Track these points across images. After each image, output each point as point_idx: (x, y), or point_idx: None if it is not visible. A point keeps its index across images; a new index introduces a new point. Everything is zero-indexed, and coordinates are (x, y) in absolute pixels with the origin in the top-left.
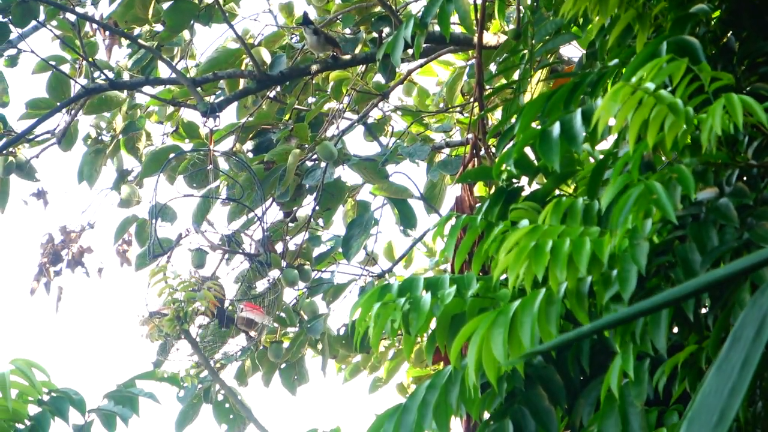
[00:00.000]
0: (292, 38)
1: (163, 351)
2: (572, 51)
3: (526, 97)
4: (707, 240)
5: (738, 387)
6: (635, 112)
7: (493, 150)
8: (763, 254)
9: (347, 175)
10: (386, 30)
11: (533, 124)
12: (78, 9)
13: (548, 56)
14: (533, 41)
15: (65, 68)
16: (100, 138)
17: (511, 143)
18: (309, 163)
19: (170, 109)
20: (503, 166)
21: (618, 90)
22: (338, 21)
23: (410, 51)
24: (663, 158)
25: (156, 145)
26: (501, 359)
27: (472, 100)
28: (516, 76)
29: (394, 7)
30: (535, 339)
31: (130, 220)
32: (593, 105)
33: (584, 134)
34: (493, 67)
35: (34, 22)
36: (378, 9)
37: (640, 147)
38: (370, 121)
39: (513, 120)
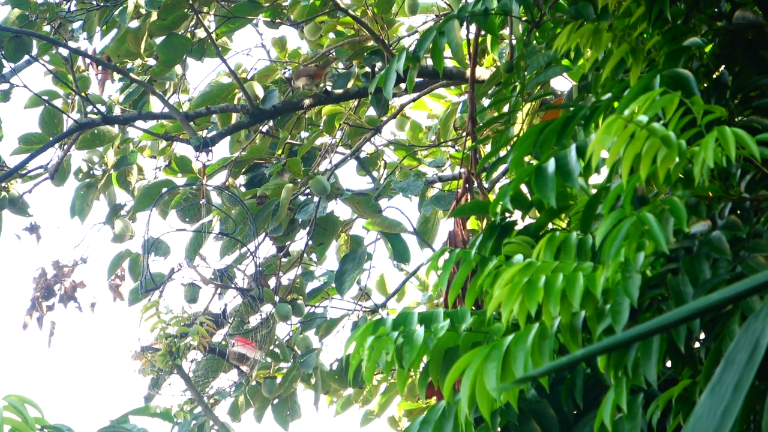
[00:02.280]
0: (284, 72)
1: (155, 385)
2: (563, 84)
3: (516, 129)
4: (700, 273)
5: (731, 408)
6: (628, 145)
7: (486, 185)
8: (754, 280)
9: (340, 209)
10: (379, 64)
11: (526, 158)
12: (71, 43)
13: (539, 88)
14: (525, 74)
15: (58, 103)
16: (91, 172)
17: (505, 178)
18: (302, 198)
19: (163, 143)
20: (500, 204)
21: (611, 123)
22: (331, 55)
23: (403, 85)
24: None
25: (148, 180)
26: (494, 393)
27: (464, 134)
28: (506, 108)
29: (386, 41)
30: (529, 373)
31: (123, 255)
32: (587, 140)
33: (579, 170)
34: (486, 102)
35: (26, 57)
36: (371, 43)
37: (632, 180)
38: (362, 155)
39: (503, 152)
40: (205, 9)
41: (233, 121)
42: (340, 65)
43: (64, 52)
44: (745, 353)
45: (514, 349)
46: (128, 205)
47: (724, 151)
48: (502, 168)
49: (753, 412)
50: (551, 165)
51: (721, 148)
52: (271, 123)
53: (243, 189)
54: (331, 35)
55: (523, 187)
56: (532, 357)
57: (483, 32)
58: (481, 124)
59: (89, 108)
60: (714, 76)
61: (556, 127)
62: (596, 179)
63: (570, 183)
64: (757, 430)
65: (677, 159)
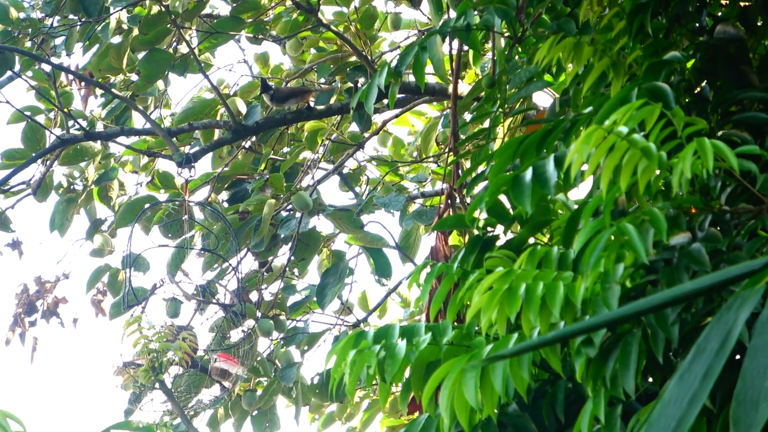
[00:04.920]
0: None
1: (135, 400)
2: (545, 100)
3: (497, 144)
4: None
5: (698, 396)
6: (608, 156)
7: (469, 200)
8: (730, 272)
9: (322, 224)
10: (362, 80)
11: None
12: (53, 59)
13: (521, 102)
14: (507, 88)
15: (40, 119)
16: (72, 187)
17: (483, 187)
18: (284, 213)
19: (145, 159)
20: (476, 212)
21: (591, 133)
22: (314, 71)
23: (385, 101)
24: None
25: (129, 195)
26: (473, 403)
27: (447, 150)
28: (488, 123)
29: (369, 57)
30: (508, 384)
31: (103, 270)
32: (566, 150)
33: (556, 178)
34: (468, 117)
35: (9, 73)
36: (353, 59)
37: (612, 190)
38: (345, 171)
39: (483, 167)
40: (187, 24)
41: (216, 137)
42: (323, 81)
43: (47, 67)
44: (716, 343)
45: None
46: (109, 220)
47: (702, 163)
48: (483, 183)
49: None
50: (528, 173)
51: (699, 159)
52: (253, 139)
53: (225, 204)
54: (314, 51)
55: (506, 202)
56: (511, 367)
57: (465, 47)
58: (463, 138)
59: (71, 123)
60: (695, 90)
61: (535, 139)
62: (579, 196)
63: (546, 190)
64: None
65: (657, 171)
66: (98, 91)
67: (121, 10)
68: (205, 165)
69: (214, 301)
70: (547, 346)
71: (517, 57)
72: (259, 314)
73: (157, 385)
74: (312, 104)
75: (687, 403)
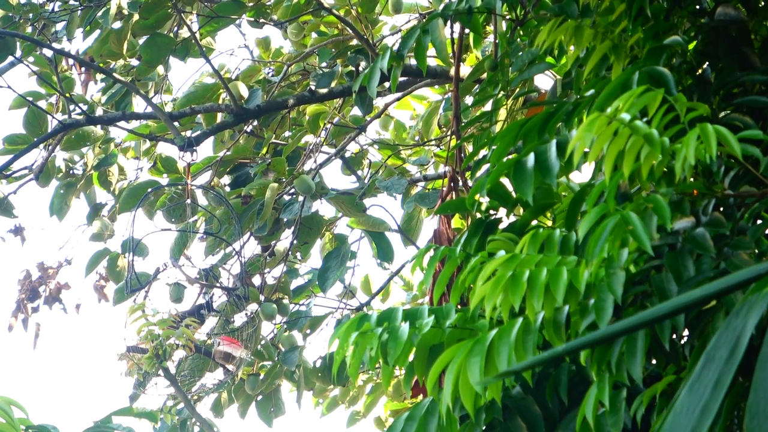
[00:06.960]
0: (268, 72)
1: (140, 385)
2: (546, 82)
3: (499, 127)
4: (683, 270)
5: (710, 406)
6: (611, 143)
7: (471, 183)
8: (737, 277)
9: (325, 208)
10: (363, 63)
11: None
12: (54, 44)
13: (523, 84)
14: (509, 71)
15: (42, 104)
16: (71, 172)
17: (485, 170)
18: (287, 197)
19: (145, 144)
20: (477, 196)
21: (593, 120)
22: (315, 55)
23: (387, 84)
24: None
25: (129, 180)
26: (477, 387)
27: (449, 133)
28: (489, 106)
29: (370, 40)
30: (511, 368)
31: (102, 254)
32: (568, 135)
33: (559, 166)
34: (469, 100)
35: (10, 58)
36: (354, 42)
37: (615, 176)
38: (347, 154)
39: (485, 150)
40: (188, 8)
41: (218, 121)
42: (324, 64)
43: (48, 53)
44: (725, 351)
45: (497, 343)
46: (109, 205)
47: (705, 148)
48: (486, 167)
49: (738, 409)
50: (530, 160)
51: (702, 144)
52: (255, 123)
53: (228, 189)
54: (315, 35)
55: (508, 185)
56: (516, 352)
57: (467, 30)
58: (465, 122)
59: (73, 108)
60: (697, 73)
61: (537, 122)
62: (582, 178)
63: (548, 179)
64: (742, 427)
65: (660, 156)
66: (99, 77)
67: None
68: (207, 150)
69: (218, 285)
70: (558, 358)
71: (518, 40)
72: (262, 298)
73: (160, 372)
74: (313, 87)
75: (699, 413)
